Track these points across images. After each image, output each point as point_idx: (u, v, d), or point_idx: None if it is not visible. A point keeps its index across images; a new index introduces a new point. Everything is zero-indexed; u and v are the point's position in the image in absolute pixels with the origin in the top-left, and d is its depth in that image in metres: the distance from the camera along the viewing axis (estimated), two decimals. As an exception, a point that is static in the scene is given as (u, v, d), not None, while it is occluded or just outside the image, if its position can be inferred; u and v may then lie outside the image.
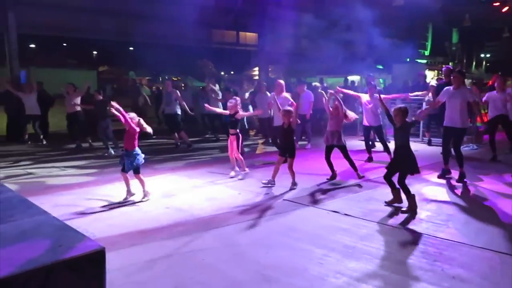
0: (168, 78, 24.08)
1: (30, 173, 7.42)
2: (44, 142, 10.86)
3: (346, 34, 15.59)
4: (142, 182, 5.57)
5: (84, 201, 5.57)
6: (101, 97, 9.65)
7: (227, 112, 7.11)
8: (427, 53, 27.86)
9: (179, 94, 10.24)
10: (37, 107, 10.78)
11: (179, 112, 10.14)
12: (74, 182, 6.69)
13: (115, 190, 5.81)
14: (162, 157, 9.04)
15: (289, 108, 6.43)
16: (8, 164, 8.19)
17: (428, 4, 18.29)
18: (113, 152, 9.14)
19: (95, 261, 2.14)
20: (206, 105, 8.02)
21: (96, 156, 9.18)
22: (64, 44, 37.58)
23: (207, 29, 16.29)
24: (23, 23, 12.09)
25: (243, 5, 15.35)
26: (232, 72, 34.63)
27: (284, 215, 5.01)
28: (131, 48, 35.19)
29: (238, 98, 7.26)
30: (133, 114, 5.63)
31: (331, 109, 6.75)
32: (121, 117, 5.47)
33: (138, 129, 5.51)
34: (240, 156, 6.90)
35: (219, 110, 8.69)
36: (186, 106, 10.28)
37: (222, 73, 35.28)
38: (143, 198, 5.56)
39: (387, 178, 5.27)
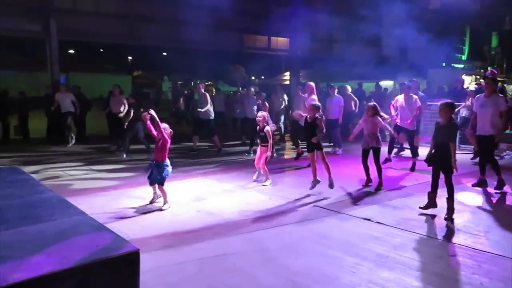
0: (201, 82, 24.21)
1: (68, 174, 7.68)
2: (73, 142, 11.08)
3: (379, 38, 15.33)
4: (164, 193, 5.49)
5: (118, 202, 5.72)
6: (133, 101, 9.88)
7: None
8: (464, 57, 26.91)
9: (208, 97, 10.30)
10: (70, 105, 11.13)
11: (212, 117, 10.21)
12: (109, 184, 6.88)
13: (148, 192, 5.91)
14: (194, 160, 9.16)
15: (317, 103, 6.40)
16: (48, 165, 8.52)
17: (465, 7, 17.72)
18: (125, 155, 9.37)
19: (130, 261, 2.19)
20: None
21: (131, 159, 9.40)
22: (101, 50, 38.89)
23: (239, 34, 16.45)
24: (63, 29, 12.63)
25: (275, 10, 15.41)
26: (263, 77, 34.80)
27: (315, 221, 4.96)
28: (164, 53, 36.02)
29: (265, 113, 7.11)
30: (165, 125, 5.55)
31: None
32: (152, 127, 5.46)
33: (170, 140, 5.50)
34: (265, 168, 6.88)
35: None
36: (212, 110, 10.33)
37: (253, 77, 35.55)
38: (155, 202, 5.64)
39: (433, 178, 5.07)
